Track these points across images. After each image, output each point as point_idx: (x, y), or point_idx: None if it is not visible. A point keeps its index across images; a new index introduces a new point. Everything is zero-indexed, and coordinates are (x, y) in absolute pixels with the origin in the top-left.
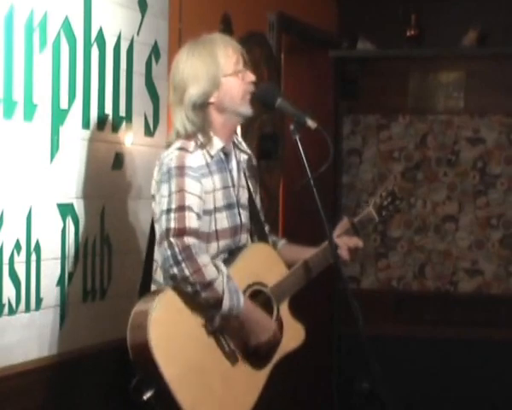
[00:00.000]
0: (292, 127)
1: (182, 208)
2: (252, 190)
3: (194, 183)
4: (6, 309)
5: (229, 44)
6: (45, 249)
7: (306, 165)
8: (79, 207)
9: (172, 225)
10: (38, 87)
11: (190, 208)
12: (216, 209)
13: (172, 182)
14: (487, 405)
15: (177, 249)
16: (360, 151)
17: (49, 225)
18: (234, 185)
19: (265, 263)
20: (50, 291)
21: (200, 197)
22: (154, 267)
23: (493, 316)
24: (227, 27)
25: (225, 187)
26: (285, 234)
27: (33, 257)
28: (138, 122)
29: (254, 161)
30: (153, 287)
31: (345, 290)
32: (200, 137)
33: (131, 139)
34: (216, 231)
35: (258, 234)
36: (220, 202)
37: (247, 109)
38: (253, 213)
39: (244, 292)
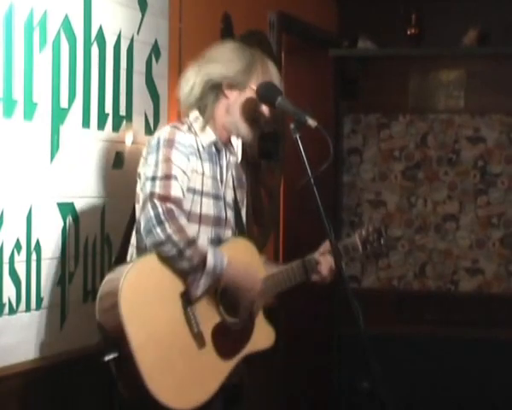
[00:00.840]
0: (292, 126)
1: (168, 177)
2: (238, 196)
3: (182, 157)
4: (6, 309)
5: (272, 73)
6: (46, 249)
7: (307, 164)
8: (80, 207)
9: (157, 190)
10: (38, 86)
11: (175, 178)
12: (204, 193)
13: (160, 152)
14: (488, 404)
15: (160, 210)
16: (361, 150)
17: (49, 225)
18: (222, 181)
19: (246, 257)
20: (51, 291)
21: (184, 172)
22: (130, 252)
23: (494, 315)
24: (227, 27)
25: (214, 178)
26: (286, 233)
27: (34, 256)
28: (139, 121)
29: (244, 175)
30: None
31: (345, 290)
32: (194, 122)
33: (132, 138)
34: (200, 214)
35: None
36: (209, 189)
37: (245, 133)
38: (238, 218)
39: None
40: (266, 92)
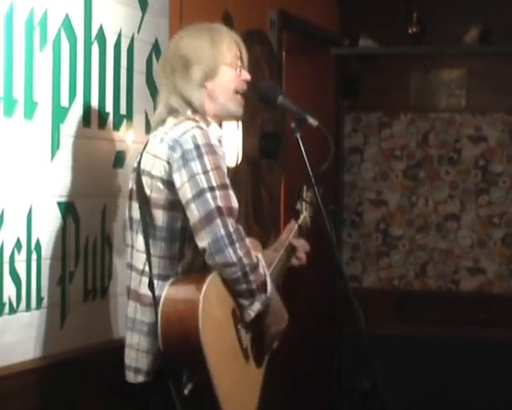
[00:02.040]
0: (293, 125)
1: (225, 187)
2: None
3: (222, 161)
4: (7, 308)
5: (232, 37)
6: (46, 248)
7: (307, 163)
8: (80, 206)
9: (221, 203)
10: (39, 85)
11: (230, 187)
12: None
13: (206, 159)
14: (488, 405)
15: (231, 229)
16: (361, 149)
17: (49, 224)
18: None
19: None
20: (51, 290)
21: (227, 176)
22: (156, 263)
23: (495, 315)
24: (228, 25)
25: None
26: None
27: (34, 256)
28: (139, 120)
29: None
30: (159, 284)
31: (346, 289)
32: (197, 117)
33: (132, 137)
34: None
35: None
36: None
37: (235, 107)
38: None
39: None
40: (267, 91)
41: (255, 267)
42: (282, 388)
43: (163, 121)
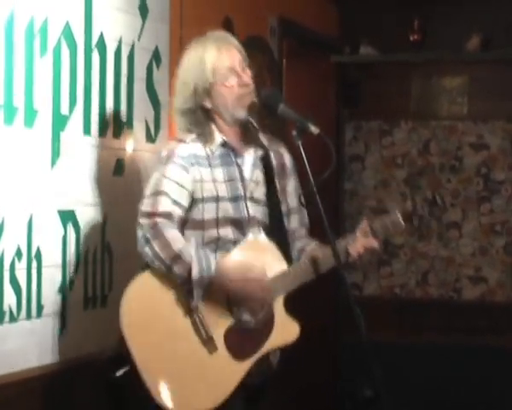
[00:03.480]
0: (294, 133)
1: (156, 193)
2: (278, 186)
3: (177, 169)
4: (7, 316)
5: (216, 45)
6: (46, 256)
7: (309, 170)
8: (80, 214)
9: (143, 208)
10: (39, 93)
11: (165, 194)
12: (218, 198)
13: (158, 170)
14: None
15: (145, 228)
16: (362, 157)
17: (49, 232)
18: (243, 179)
19: (262, 256)
20: (51, 298)
21: (178, 183)
22: None
23: (497, 323)
24: (228, 31)
25: (231, 180)
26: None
27: (34, 264)
28: (139, 128)
29: (288, 160)
30: None
31: (347, 297)
32: (202, 131)
33: (133, 145)
34: (217, 218)
35: (276, 232)
36: (224, 193)
37: (242, 113)
38: (273, 211)
39: None
40: (268, 100)
41: (177, 257)
42: (283, 396)
43: None
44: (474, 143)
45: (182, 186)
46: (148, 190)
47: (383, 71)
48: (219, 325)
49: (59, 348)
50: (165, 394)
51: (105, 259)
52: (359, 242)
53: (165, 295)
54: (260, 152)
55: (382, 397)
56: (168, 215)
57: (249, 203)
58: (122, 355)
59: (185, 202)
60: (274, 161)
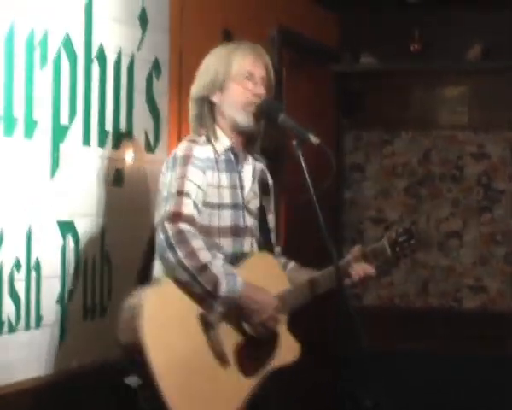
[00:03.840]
0: (294, 143)
1: (180, 193)
2: (264, 205)
3: (197, 172)
4: (6, 327)
5: (251, 53)
6: (45, 267)
7: (309, 180)
8: (80, 225)
9: (168, 208)
10: (39, 104)
11: (188, 195)
12: (220, 206)
13: (176, 169)
14: None
15: (170, 233)
16: (363, 167)
17: (49, 243)
18: (242, 187)
19: (267, 273)
20: (50, 309)
21: (199, 187)
22: (156, 267)
23: (498, 333)
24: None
25: (233, 187)
26: (287, 251)
27: (33, 275)
28: (139, 139)
29: (269, 179)
30: None
31: (347, 307)
32: (207, 132)
33: (132, 156)
34: (218, 227)
35: (266, 248)
36: (226, 200)
37: (244, 119)
38: (263, 226)
39: None
40: (268, 109)
41: (203, 269)
42: (282, 405)
43: None
44: (475, 153)
45: (201, 189)
46: (167, 190)
47: (383, 80)
48: (231, 339)
49: (58, 358)
50: (182, 408)
51: (104, 269)
52: (357, 268)
53: (183, 306)
54: (260, 165)
55: (382, 407)
56: (192, 220)
57: (246, 213)
58: (130, 362)
59: (201, 205)
60: (264, 178)
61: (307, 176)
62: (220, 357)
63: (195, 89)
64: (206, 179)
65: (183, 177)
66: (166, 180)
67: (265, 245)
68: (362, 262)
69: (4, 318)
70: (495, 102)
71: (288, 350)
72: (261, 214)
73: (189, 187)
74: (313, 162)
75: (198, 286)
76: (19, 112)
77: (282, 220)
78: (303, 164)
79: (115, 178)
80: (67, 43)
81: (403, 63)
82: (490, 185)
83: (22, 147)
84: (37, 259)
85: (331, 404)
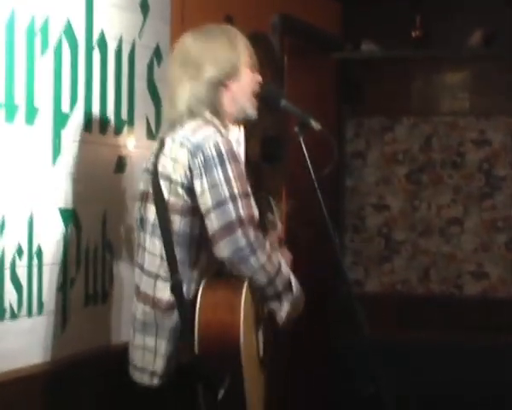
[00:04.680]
0: (296, 128)
1: (247, 195)
2: None
3: (243, 169)
4: (8, 314)
5: (244, 40)
6: (47, 254)
7: (310, 166)
8: (81, 212)
9: (242, 212)
10: (40, 91)
11: (251, 195)
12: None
13: (228, 167)
14: (491, 408)
15: (252, 238)
16: (364, 154)
17: (50, 230)
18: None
19: None
20: (52, 296)
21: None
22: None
23: (499, 320)
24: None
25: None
26: (288, 238)
27: (35, 262)
28: (140, 125)
29: None
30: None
31: (348, 294)
32: (215, 121)
33: (134, 143)
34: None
35: None
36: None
37: (251, 110)
38: None
39: None
40: (270, 95)
41: (279, 270)
42: (282, 393)
43: (181, 124)
44: (476, 139)
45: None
46: (231, 190)
47: (385, 67)
48: (259, 342)
49: (60, 345)
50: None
51: (106, 256)
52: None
53: (251, 311)
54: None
55: (383, 394)
56: (258, 221)
57: None
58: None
59: None
60: None
61: (308, 161)
62: (261, 361)
63: (214, 72)
64: None
65: (241, 176)
66: (219, 179)
67: None
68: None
69: (6, 304)
70: (496, 89)
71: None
72: None
73: (248, 186)
74: (315, 149)
75: (272, 288)
76: (20, 99)
77: (283, 208)
78: (304, 149)
79: (117, 165)
80: (68, 30)
81: (404, 50)
82: (491, 172)
83: (23, 134)
84: (38, 246)
85: (330, 392)
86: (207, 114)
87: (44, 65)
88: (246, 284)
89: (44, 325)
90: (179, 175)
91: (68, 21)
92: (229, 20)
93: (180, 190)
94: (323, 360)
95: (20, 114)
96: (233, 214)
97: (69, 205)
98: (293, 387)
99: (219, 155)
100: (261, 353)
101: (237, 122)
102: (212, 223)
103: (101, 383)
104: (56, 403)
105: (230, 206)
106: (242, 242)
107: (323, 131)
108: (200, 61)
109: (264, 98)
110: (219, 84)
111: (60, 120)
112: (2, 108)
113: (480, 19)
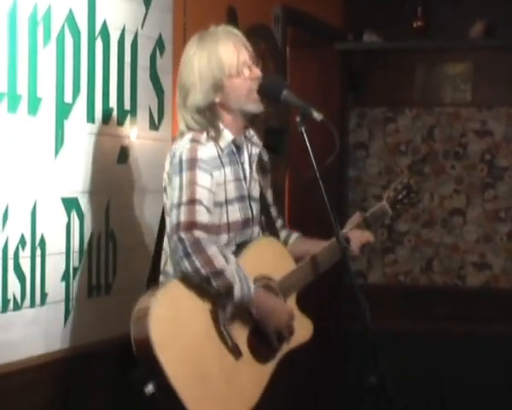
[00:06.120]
0: (298, 119)
1: (192, 202)
2: (262, 184)
3: (206, 176)
4: (11, 304)
5: (231, 39)
6: (50, 244)
7: (312, 157)
8: (84, 202)
9: (182, 218)
10: (43, 81)
11: (200, 202)
12: (228, 201)
13: (184, 175)
14: (494, 400)
15: (187, 243)
16: (366, 145)
17: (53, 220)
18: (245, 178)
19: (273, 257)
20: (55, 286)
21: (210, 190)
22: (164, 260)
23: (501, 310)
24: (232, 20)
25: (237, 179)
26: (291, 228)
27: (38, 252)
28: (143, 116)
29: (265, 155)
30: (161, 279)
31: (352, 285)
32: (210, 130)
33: (136, 133)
34: (228, 223)
35: (268, 228)
36: (232, 194)
37: (254, 107)
38: (264, 207)
39: None
40: (271, 86)
41: (218, 275)
42: (285, 383)
43: (181, 135)
44: (478, 130)
45: (211, 192)
46: (178, 198)
47: (387, 58)
48: (242, 330)
49: (63, 335)
50: (200, 407)
51: (109, 246)
52: (355, 236)
53: (193, 306)
54: (256, 150)
55: (386, 385)
56: (206, 227)
57: (251, 202)
58: (149, 371)
59: (212, 208)
60: (260, 157)
61: (311, 152)
62: (233, 350)
63: (198, 99)
64: (214, 181)
65: (192, 183)
66: (175, 185)
67: (267, 221)
68: (363, 229)
69: (10, 295)
70: (498, 79)
71: (301, 329)
72: (261, 196)
73: (200, 194)
74: (317, 140)
75: (212, 289)
76: (22, 89)
77: (287, 199)
78: (306, 140)
79: (120, 155)
80: (71, 20)
81: (406, 41)
82: (493, 162)
83: (26, 124)
84: (42, 236)
85: (335, 386)
86: (198, 128)
87: (47, 55)
88: (170, 283)
89: (47, 315)
90: (163, 180)
91: (71, 11)
92: (231, 11)
93: (164, 195)
94: (328, 350)
95: (23, 104)
96: (174, 220)
97: (72, 195)
98: (299, 380)
99: (180, 162)
100: (230, 343)
101: (245, 120)
102: (167, 226)
103: (104, 374)
104: (59, 394)
105: (174, 211)
106: (177, 246)
107: (325, 122)
108: (185, 89)
109: (265, 90)
110: (207, 103)
111: (62, 110)
112: (5, 98)
113: (482, 9)
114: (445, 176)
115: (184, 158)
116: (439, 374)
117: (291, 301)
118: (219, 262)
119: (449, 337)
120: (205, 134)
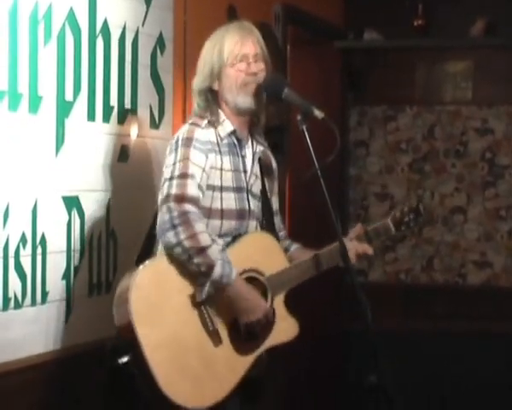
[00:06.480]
0: (299, 117)
1: (184, 176)
2: (266, 185)
3: (200, 154)
4: (12, 303)
5: (241, 32)
6: (51, 243)
7: (313, 155)
8: (85, 200)
9: (173, 191)
10: (43, 79)
11: (193, 176)
12: (223, 188)
13: (178, 151)
14: (495, 399)
15: (175, 213)
16: (367, 143)
17: (54, 218)
18: (246, 171)
19: (265, 252)
20: (56, 285)
21: (203, 169)
22: (159, 247)
23: (502, 308)
24: (232, 19)
25: (236, 170)
26: (292, 228)
27: (39, 250)
28: (144, 114)
29: (274, 163)
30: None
31: (353, 283)
32: (210, 115)
33: (137, 131)
34: (221, 209)
35: (269, 231)
36: (229, 183)
37: (244, 101)
38: (265, 208)
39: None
40: (272, 85)
41: (201, 251)
42: (286, 382)
43: None
44: (479, 128)
45: (204, 171)
46: (171, 172)
47: (387, 56)
48: (224, 318)
49: (64, 334)
50: (171, 384)
51: (109, 245)
52: (353, 245)
53: (175, 283)
54: (261, 148)
55: (387, 384)
56: (196, 200)
57: (250, 196)
58: (125, 342)
59: (205, 187)
60: (267, 161)
61: (312, 150)
62: (212, 335)
63: (196, 82)
64: (208, 162)
65: (186, 159)
66: (170, 162)
67: (268, 227)
68: (363, 240)
69: (10, 294)
70: (499, 78)
71: (285, 328)
72: (263, 197)
73: (192, 169)
74: (318, 138)
75: (193, 266)
76: (23, 87)
77: (287, 198)
78: (307, 138)
79: (120, 154)
80: (72, 18)
81: (407, 39)
82: (494, 161)
83: (27, 122)
84: (42, 234)
85: (335, 385)
86: (201, 114)
87: (48, 53)
88: (151, 261)
89: (48, 314)
90: (162, 173)
91: (71, 9)
92: (231, 9)
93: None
94: (328, 349)
95: (24, 102)
96: (165, 191)
97: (73, 193)
98: (298, 379)
99: (176, 141)
100: (211, 327)
101: (238, 115)
102: (158, 200)
103: (105, 373)
104: (60, 392)
105: (166, 184)
106: (165, 216)
107: (326, 120)
108: (196, 71)
109: (266, 89)
110: (206, 90)
111: (63, 108)
112: (6, 97)
113: (482, 8)
114: (446, 174)
115: (181, 137)
116: (439, 373)
117: (279, 299)
118: (205, 239)
119: (449, 336)
120: (206, 121)
